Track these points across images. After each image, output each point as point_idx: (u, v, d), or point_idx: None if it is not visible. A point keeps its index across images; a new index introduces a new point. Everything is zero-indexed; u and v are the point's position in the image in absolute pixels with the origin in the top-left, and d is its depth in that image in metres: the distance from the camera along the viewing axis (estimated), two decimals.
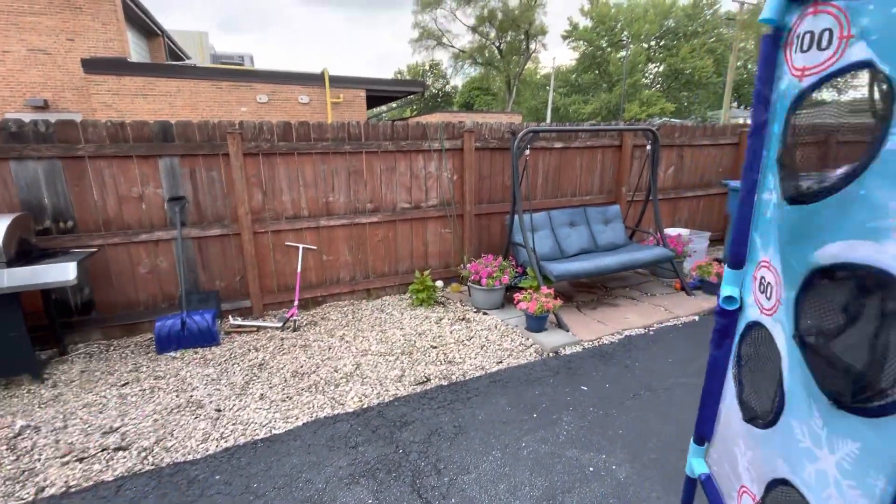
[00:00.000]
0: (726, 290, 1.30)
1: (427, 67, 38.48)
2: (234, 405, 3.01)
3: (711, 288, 4.96)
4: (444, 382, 3.28)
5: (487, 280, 4.54)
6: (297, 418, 2.86)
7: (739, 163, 6.80)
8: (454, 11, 32.59)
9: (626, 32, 32.55)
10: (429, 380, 3.31)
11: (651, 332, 4.12)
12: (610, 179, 6.05)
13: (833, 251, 0.89)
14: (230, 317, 4.30)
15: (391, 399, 3.07)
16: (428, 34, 33.75)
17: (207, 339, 3.85)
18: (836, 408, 0.90)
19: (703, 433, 1.42)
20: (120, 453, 2.55)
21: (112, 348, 3.87)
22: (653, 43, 33.49)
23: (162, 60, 14.03)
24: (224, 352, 3.77)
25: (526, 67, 35.72)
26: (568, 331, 4.08)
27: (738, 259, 1.29)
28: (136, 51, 12.61)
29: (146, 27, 13.46)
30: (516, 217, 4.68)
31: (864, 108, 0.86)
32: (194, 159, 4.04)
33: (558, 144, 5.53)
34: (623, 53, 31.89)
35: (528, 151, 4.72)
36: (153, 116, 9.43)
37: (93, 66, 9.07)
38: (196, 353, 3.76)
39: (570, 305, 4.71)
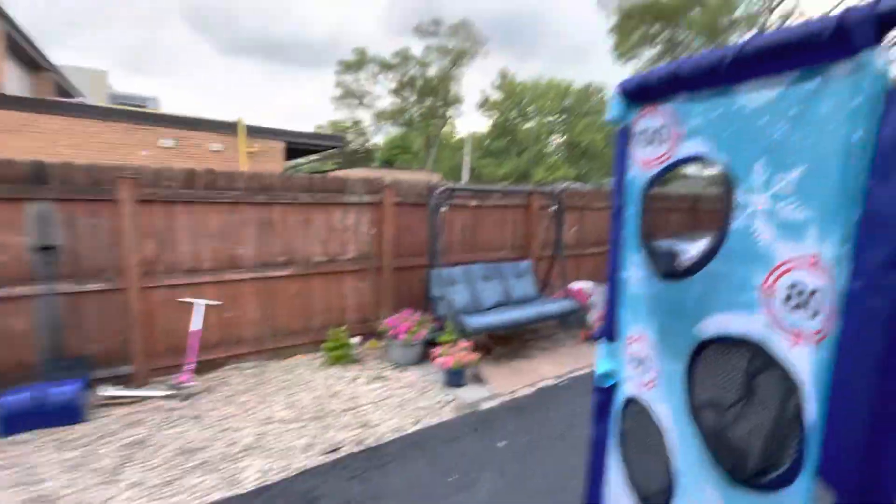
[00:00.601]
0: (602, 366, 1.30)
1: (349, 124, 39.24)
2: (97, 497, 2.50)
3: None
4: (358, 448, 3.05)
5: (406, 335, 4.45)
6: None
7: None
8: (376, 75, 34.15)
9: (532, 107, 36.41)
10: (341, 447, 3.06)
11: (562, 382, 4.27)
12: (521, 236, 6.45)
13: (713, 324, 0.94)
14: (105, 386, 3.68)
15: (298, 472, 2.77)
16: (350, 94, 34.75)
17: (71, 414, 3.23)
18: (732, 484, 0.91)
19: None
20: None
21: None
22: (555, 117, 37.72)
23: (49, 96, 12.69)
24: (93, 430, 3.18)
25: (444, 130, 37.98)
26: (486, 384, 4.08)
27: (611, 334, 1.31)
28: (17, 84, 11.30)
29: (30, 59, 12.21)
30: (434, 271, 4.74)
31: (709, 194, 0.99)
32: (74, 204, 3.58)
33: (474, 203, 5.83)
34: (530, 124, 35.46)
35: (445, 208, 4.90)
36: (31, 156, 8.32)
37: None
38: (54, 433, 3.12)
39: (488, 358, 4.76)
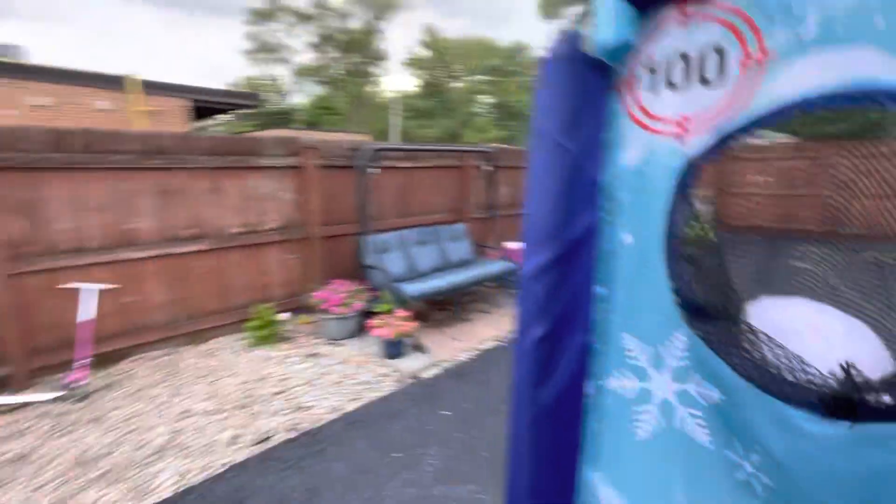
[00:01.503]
0: None
1: (268, 82, 36.00)
2: None
3: None
4: (293, 434, 2.82)
5: (339, 307, 4.18)
6: None
7: None
8: (293, 26, 31.27)
9: (458, 66, 35.62)
10: (272, 435, 2.80)
11: (502, 344, 4.28)
12: (456, 198, 6.28)
13: None
14: None
15: (223, 470, 2.49)
16: (264, 47, 31.64)
17: None
18: None
19: None
20: None
21: None
22: (482, 77, 37.28)
23: None
24: None
25: (371, 89, 36.18)
26: (426, 353, 3.97)
27: None
28: None
29: None
30: (366, 238, 4.45)
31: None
32: None
33: (406, 164, 5.52)
34: (458, 84, 34.78)
35: (375, 170, 4.56)
36: None
37: None
38: None
39: (427, 325, 4.64)
